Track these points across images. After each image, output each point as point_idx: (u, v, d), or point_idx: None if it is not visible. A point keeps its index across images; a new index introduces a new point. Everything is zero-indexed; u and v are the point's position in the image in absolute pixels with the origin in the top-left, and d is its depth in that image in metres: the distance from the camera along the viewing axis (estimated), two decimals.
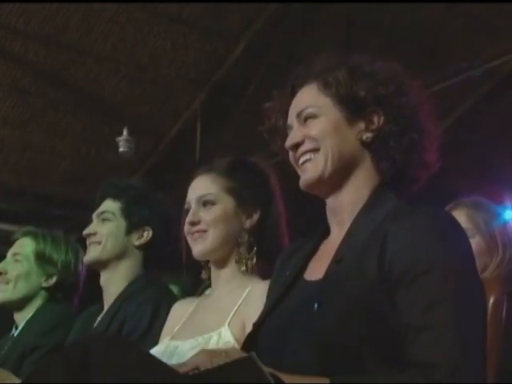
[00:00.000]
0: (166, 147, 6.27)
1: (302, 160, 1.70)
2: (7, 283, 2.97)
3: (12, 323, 3.00)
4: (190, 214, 2.25)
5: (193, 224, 2.24)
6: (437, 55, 5.10)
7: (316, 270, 1.66)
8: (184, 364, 1.49)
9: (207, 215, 2.22)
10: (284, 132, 1.75)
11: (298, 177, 1.76)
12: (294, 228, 2.26)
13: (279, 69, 5.39)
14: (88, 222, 2.75)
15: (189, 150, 5.88)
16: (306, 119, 1.70)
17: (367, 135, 1.67)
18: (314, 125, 1.68)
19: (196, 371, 1.44)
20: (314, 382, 1.46)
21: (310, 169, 1.68)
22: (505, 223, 3.02)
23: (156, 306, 2.44)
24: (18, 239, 3.08)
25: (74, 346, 1.46)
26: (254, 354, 1.40)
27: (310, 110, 1.69)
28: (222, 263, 2.24)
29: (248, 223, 2.22)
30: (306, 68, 1.75)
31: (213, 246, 2.22)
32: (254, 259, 2.20)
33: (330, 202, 1.72)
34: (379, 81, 1.67)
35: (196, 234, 2.23)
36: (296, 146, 1.70)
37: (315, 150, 1.67)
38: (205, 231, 2.22)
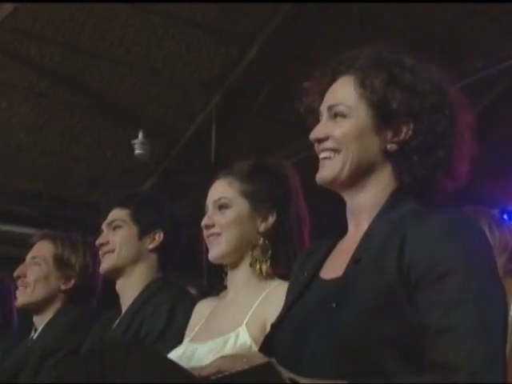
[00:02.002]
0: (181, 150, 6.28)
1: (322, 155, 1.70)
2: (26, 286, 2.98)
3: (31, 326, 3.02)
4: (206, 217, 2.27)
5: (207, 227, 2.25)
6: (450, 55, 5.08)
7: (333, 269, 1.66)
8: (205, 368, 1.49)
9: (222, 219, 2.24)
10: (317, 114, 1.74)
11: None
12: (315, 227, 2.25)
13: (293, 70, 5.40)
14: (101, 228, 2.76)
15: (204, 153, 5.88)
16: (335, 115, 1.69)
17: (391, 146, 1.65)
18: (341, 125, 1.67)
19: (217, 376, 1.44)
20: None
21: (327, 168, 1.68)
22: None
23: (172, 307, 2.46)
24: (36, 243, 3.09)
25: (94, 352, 1.47)
26: (273, 359, 1.39)
27: (341, 108, 1.68)
28: (236, 266, 2.25)
29: (263, 226, 2.23)
30: (351, 56, 1.73)
31: (226, 250, 2.22)
32: (269, 262, 2.20)
33: (348, 200, 1.72)
34: (417, 94, 1.64)
35: (211, 238, 2.25)
36: (319, 141, 1.70)
37: (336, 151, 1.67)
38: (219, 234, 2.23)
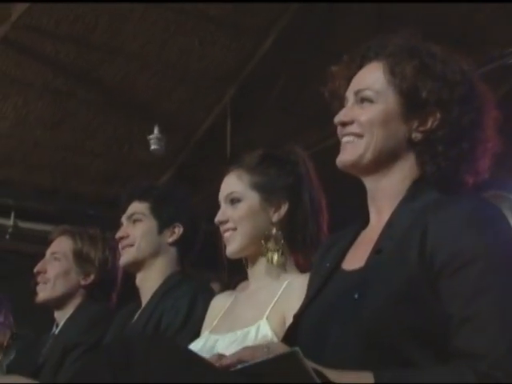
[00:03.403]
0: (197, 144, 6.26)
1: (344, 139, 1.69)
2: (46, 282, 3.00)
3: (53, 322, 3.03)
4: (219, 213, 2.27)
5: (221, 223, 2.26)
6: (467, 44, 5.05)
7: (355, 260, 1.65)
8: (226, 358, 1.50)
9: (234, 213, 2.24)
10: (342, 100, 1.73)
11: (336, 167, 1.76)
12: (335, 218, 2.24)
13: (308, 63, 5.38)
14: (121, 220, 2.76)
15: (219, 147, 5.87)
16: (362, 100, 1.68)
17: (416, 135, 1.65)
18: (367, 111, 1.66)
19: (238, 367, 1.44)
20: (357, 377, 1.45)
21: (349, 151, 1.67)
22: None
23: (192, 301, 2.46)
24: (55, 238, 3.11)
25: (118, 344, 1.47)
26: (297, 348, 1.39)
27: (368, 93, 1.67)
28: (254, 258, 2.25)
29: (276, 216, 2.22)
30: (380, 42, 1.72)
31: (242, 245, 2.23)
32: (281, 252, 2.20)
33: (369, 187, 1.71)
34: (447, 84, 1.64)
35: (227, 233, 2.25)
36: (343, 124, 1.69)
37: (359, 136, 1.66)
38: (234, 229, 2.23)
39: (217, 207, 2.30)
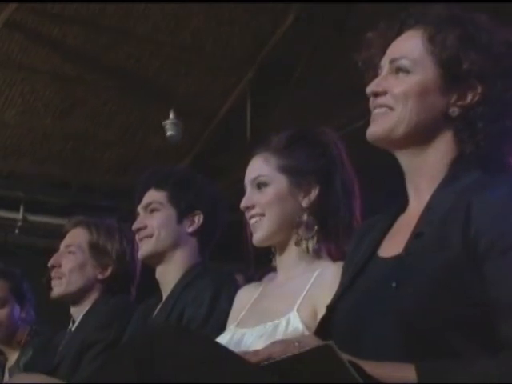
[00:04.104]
0: (215, 129, 6.27)
1: (376, 111, 1.67)
2: (61, 277, 3.00)
3: (69, 318, 3.04)
4: (244, 198, 2.25)
5: (247, 209, 2.24)
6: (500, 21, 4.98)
7: (392, 246, 1.64)
8: (254, 353, 1.49)
9: (262, 198, 2.22)
10: (376, 69, 1.71)
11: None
12: (370, 203, 2.23)
13: (331, 41, 5.35)
14: (136, 211, 2.76)
15: (239, 132, 5.88)
16: (398, 70, 1.66)
17: (454, 110, 1.62)
18: (403, 82, 1.64)
19: (270, 361, 1.44)
20: (397, 369, 1.44)
21: (379, 123, 1.65)
22: None
23: (215, 292, 2.46)
24: (69, 230, 3.11)
25: (141, 340, 1.46)
26: (331, 341, 1.38)
27: (404, 62, 1.65)
28: (283, 247, 2.23)
29: (306, 201, 2.20)
30: (421, 9, 1.70)
31: (270, 232, 2.21)
32: (315, 239, 2.19)
33: (404, 164, 1.69)
34: (491, 56, 1.61)
35: (253, 220, 2.23)
36: (375, 95, 1.67)
37: (391, 108, 1.64)
38: (261, 215, 2.22)
39: (239, 196, 2.29)
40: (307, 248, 2.18)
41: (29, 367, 3.13)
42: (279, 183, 2.21)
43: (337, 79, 5.39)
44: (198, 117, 6.19)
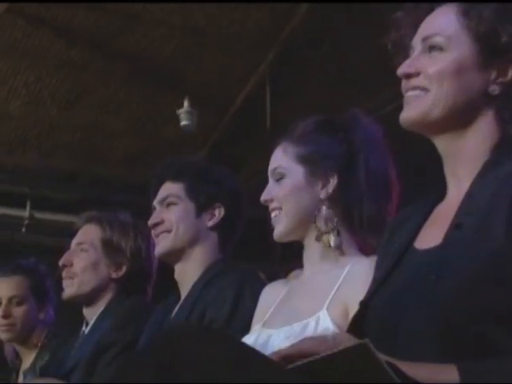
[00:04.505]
0: (233, 118, 6.26)
1: (408, 93, 1.66)
2: (73, 277, 3.01)
3: (82, 320, 3.05)
4: (264, 191, 2.26)
5: (266, 202, 2.25)
6: None
7: (430, 238, 1.63)
8: (283, 349, 1.48)
9: (279, 191, 2.22)
10: (407, 51, 1.70)
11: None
12: (405, 192, 2.20)
13: (357, 21, 5.33)
14: (150, 206, 2.76)
15: (258, 120, 5.87)
16: (431, 48, 1.65)
17: (495, 88, 1.61)
18: (437, 60, 1.63)
19: (302, 361, 1.42)
20: (438, 370, 1.43)
21: (413, 107, 1.64)
22: None
23: (238, 290, 2.45)
24: (81, 227, 3.11)
25: (161, 342, 1.46)
26: (367, 340, 1.37)
27: (438, 40, 1.64)
28: (306, 242, 2.23)
29: (324, 192, 2.19)
30: None
31: (288, 227, 2.21)
32: (336, 233, 2.17)
33: (442, 149, 1.68)
34: None
35: (272, 214, 2.24)
36: (408, 76, 1.66)
37: (426, 90, 1.63)
38: (280, 209, 2.22)
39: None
40: (329, 242, 2.17)
41: (44, 371, 3.13)
42: (296, 174, 2.21)
43: (363, 62, 5.36)
44: (214, 104, 6.18)
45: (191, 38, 5.81)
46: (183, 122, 5.83)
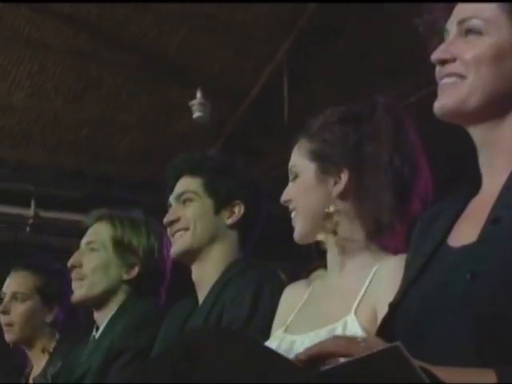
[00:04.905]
0: (248, 109, 6.25)
1: (443, 81, 1.66)
2: (83, 278, 3.01)
3: (92, 324, 3.05)
4: (284, 192, 2.27)
5: (285, 202, 2.26)
6: None
7: (465, 234, 1.62)
8: (313, 349, 1.47)
9: (294, 190, 2.24)
10: (441, 34, 1.70)
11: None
12: (437, 184, 2.18)
13: (380, 7, 5.31)
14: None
15: (275, 111, 5.86)
16: (467, 32, 1.64)
17: None
18: (473, 45, 1.63)
19: (331, 362, 1.42)
20: (475, 376, 1.42)
21: (449, 95, 1.64)
22: None
23: (258, 291, 2.46)
24: (90, 226, 3.12)
25: (178, 348, 1.45)
26: (399, 343, 1.36)
27: (475, 23, 1.63)
28: (326, 241, 2.22)
29: (336, 189, 2.17)
30: None
31: (303, 229, 2.22)
32: (350, 231, 2.16)
33: (478, 140, 1.67)
34: None
35: (291, 215, 2.25)
36: (442, 63, 1.65)
37: (462, 77, 1.63)
38: (295, 209, 2.23)
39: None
40: (344, 240, 2.16)
41: (56, 380, 3.13)
42: (308, 172, 2.21)
43: (387, 49, 5.35)
44: (228, 95, 6.19)
45: (203, 25, 5.80)
46: (196, 114, 5.84)
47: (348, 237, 2.17)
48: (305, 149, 2.20)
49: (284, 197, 2.25)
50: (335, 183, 2.17)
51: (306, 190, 2.19)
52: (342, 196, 2.17)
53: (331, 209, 2.16)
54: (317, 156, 2.19)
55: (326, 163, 2.18)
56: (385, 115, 2.16)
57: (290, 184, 2.24)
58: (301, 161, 2.21)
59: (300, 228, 2.21)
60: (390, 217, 2.12)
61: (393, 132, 2.14)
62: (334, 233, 2.18)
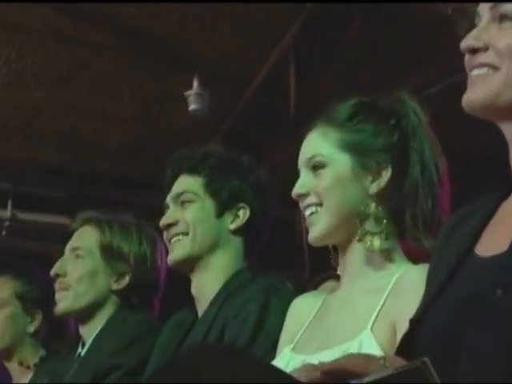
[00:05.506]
0: (251, 100, 6.25)
1: (474, 72, 1.66)
2: (67, 288, 3.02)
3: (77, 339, 3.06)
4: (297, 183, 2.25)
5: (299, 197, 2.24)
6: None
7: (494, 243, 1.63)
8: (329, 366, 1.48)
9: (318, 183, 2.22)
10: (472, 18, 1.70)
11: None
12: (463, 189, 2.20)
13: None
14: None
15: (281, 103, 5.87)
16: (502, 18, 1.65)
17: None
18: (508, 33, 1.63)
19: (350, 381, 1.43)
20: None
21: (479, 88, 1.65)
22: None
23: (264, 305, 2.47)
24: (76, 229, 3.13)
25: (180, 364, 1.47)
26: (427, 359, 1.37)
27: (509, 9, 1.63)
28: (346, 245, 2.22)
29: (375, 187, 2.19)
30: None
31: (329, 227, 2.20)
32: (385, 235, 2.16)
33: (510, 137, 1.67)
34: None
35: (308, 211, 2.23)
36: (473, 51, 1.66)
37: (495, 68, 1.63)
38: (319, 205, 2.21)
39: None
40: (373, 245, 2.16)
41: None
42: (341, 164, 2.21)
43: (401, 36, 5.35)
44: (228, 86, 6.20)
45: (202, 8, 5.80)
46: (192, 106, 5.85)
47: (370, 241, 2.17)
48: (335, 137, 2.20)
49: (300, 189, 2.23)
50: (373, 180, 2.19)
51: (339, 183, 2.19)
52: (380, 195, 2.18)
53: (371, 207, 2.17)
54: (354, 148, 2.20)
55: (366, 158, 2.19)
56: (417, 112, 2.21)
57: (309, 175, 2.23)
58: (329, 150, 2.21)
59: (323, 225, 2.20)
60: (426, 223, 2.15)
61: (425, 130, 2.21)
62: (364, 234, 2.18)
